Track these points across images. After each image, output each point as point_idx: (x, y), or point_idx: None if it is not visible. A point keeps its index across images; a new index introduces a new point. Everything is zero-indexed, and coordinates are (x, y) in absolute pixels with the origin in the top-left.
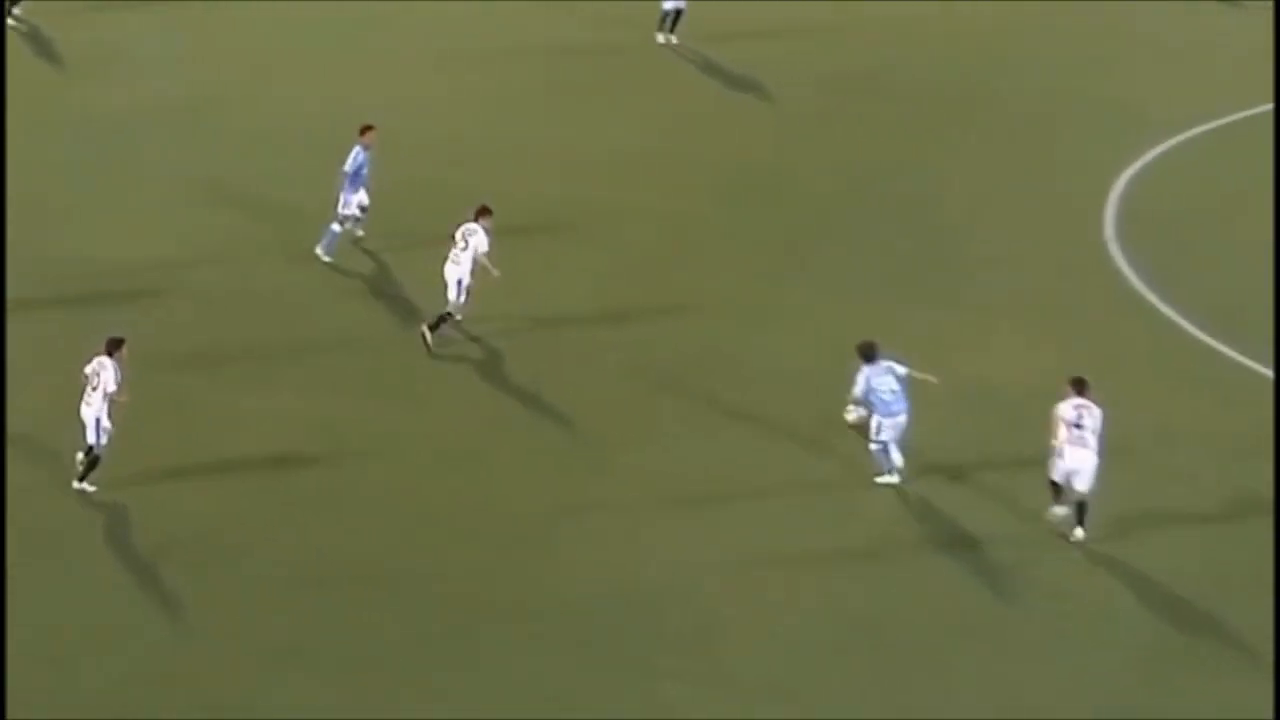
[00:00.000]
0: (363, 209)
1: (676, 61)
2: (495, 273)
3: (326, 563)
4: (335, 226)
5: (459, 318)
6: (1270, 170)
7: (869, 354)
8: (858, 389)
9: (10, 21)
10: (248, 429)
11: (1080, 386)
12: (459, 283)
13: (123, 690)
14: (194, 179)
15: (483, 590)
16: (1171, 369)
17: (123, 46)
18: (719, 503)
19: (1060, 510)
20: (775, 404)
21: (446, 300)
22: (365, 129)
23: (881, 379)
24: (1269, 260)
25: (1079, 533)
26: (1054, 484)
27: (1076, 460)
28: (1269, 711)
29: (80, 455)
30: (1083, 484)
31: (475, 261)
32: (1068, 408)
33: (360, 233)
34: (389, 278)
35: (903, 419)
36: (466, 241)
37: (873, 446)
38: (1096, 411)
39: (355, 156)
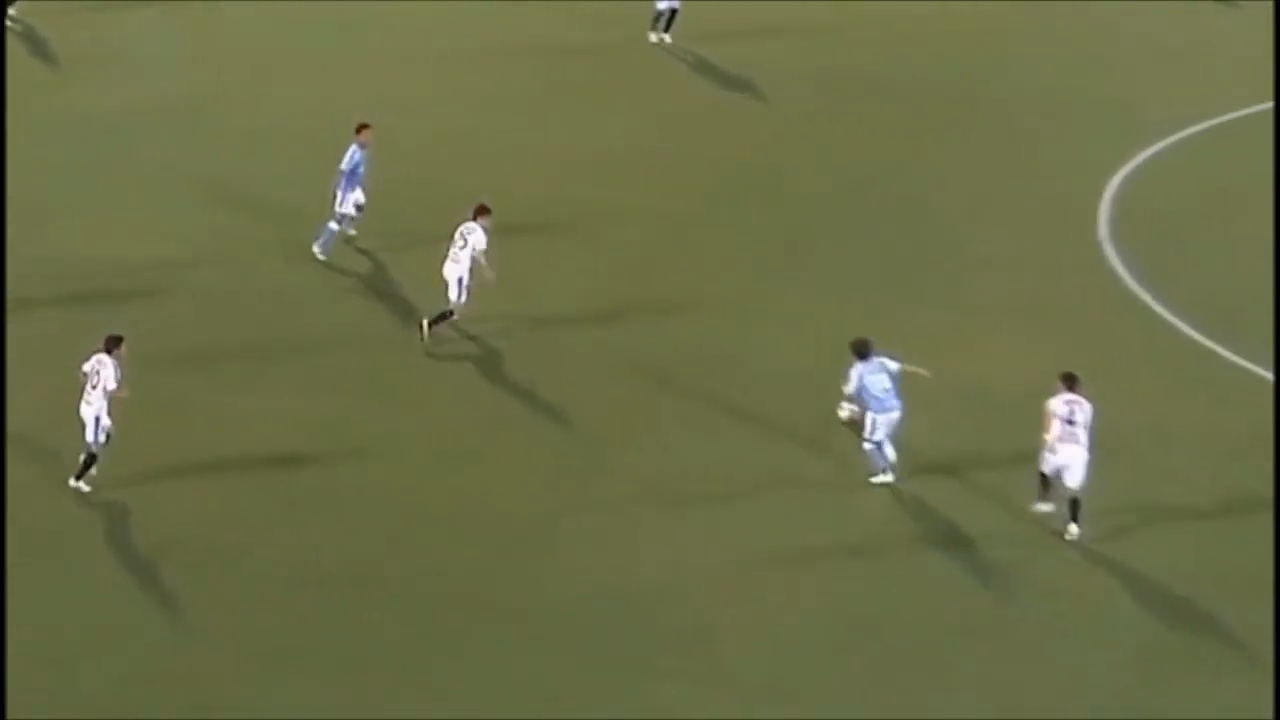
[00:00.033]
0: (358, 208)
1: (673, 61)
2: (490, 274)
3: (326, 563)
4: (333, 225)
5: (457, 316)
6: (1265, 170)
7: (863, 351)
8: (850, 385)
9: (6, 22)
10: (247, 429)
11: (1071, 382)
12: (459, 281)
13: (123, 690)
14: (192, 178)
15: (482, 590)
16: (1166, 369)
17: (120, 46)
18: (717, 502)
19: (1045, 506)
20: (772, 403)
21: (447, 299)
22: (361, 127)
23: (874, 376)
24: (1264, 260)
25: (1073, 529)
26: (1043, 478)
27: (1068, 456)
28: (1267, 711)
29: (83, 455)
30: (1074, 479)
31: (474, 260)
32: (1059, 403)
33: (353, 232)
34: (387, 277)
35: (896, 415)
36: (465, 240)
37: (866, 446)
38: (1087, 406)
39: (352, 155)
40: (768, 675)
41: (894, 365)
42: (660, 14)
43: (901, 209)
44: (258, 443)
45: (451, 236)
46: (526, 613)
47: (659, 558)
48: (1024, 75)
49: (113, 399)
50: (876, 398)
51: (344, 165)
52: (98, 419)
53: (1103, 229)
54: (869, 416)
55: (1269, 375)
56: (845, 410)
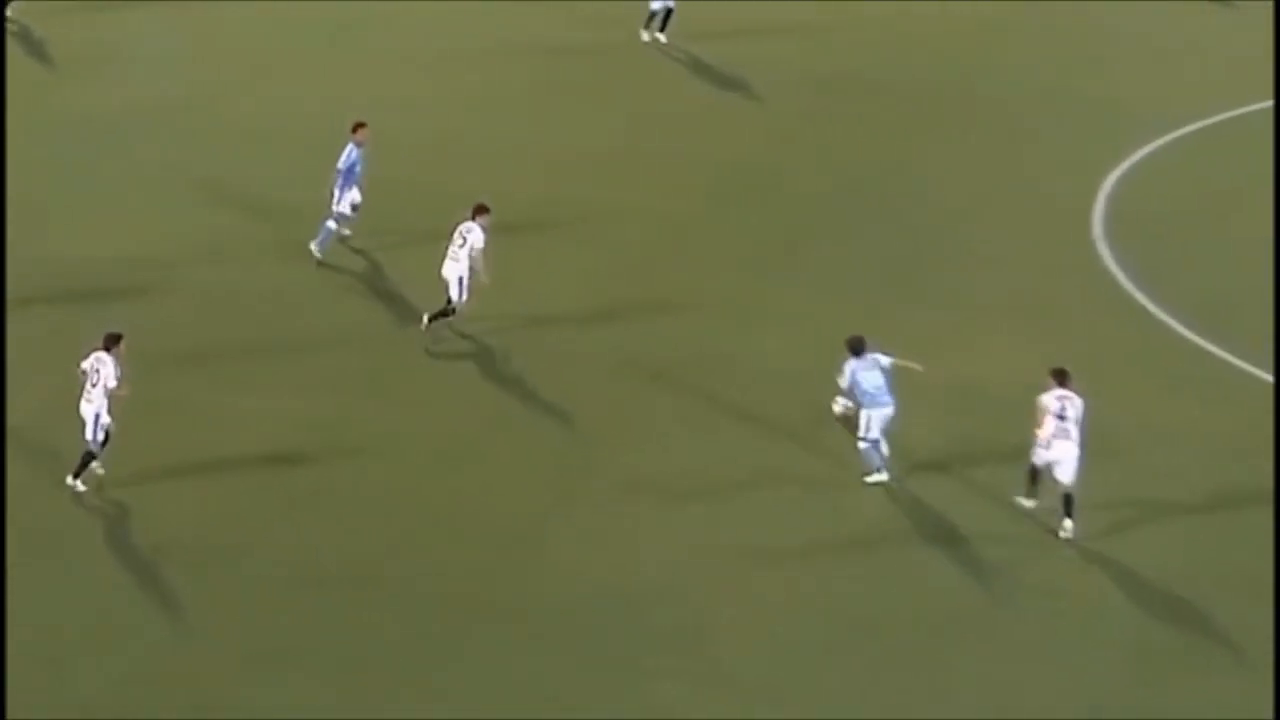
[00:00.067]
0: (354, 208)
1: (671, 61)
2: (485, 279)
3: (325, 563)
4: (331, 224)
5: (460, 316)
6: (1259, 169)
7: (857, 348)
8: (843, 380)
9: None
10: (247, 428)
11: (1062, 377)
12: (460, 280)
13: (123, 690)
14: (191, 178)
15: (482, 590)
16: (1160, 368)
17: (119, 46)
18: (715, 502)
19: (1029, 502)
20: (770, 403)
21: (448, 298)
22: (358, 126)
23: (867, 373)
24: (1257, 259)
25: (1068, 524)
26: (1032, 473)
27: (1059, 451)
28: (1262, 710)
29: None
30: (1066, 475)
31: (475, 256)
32: (1051, 398)
33: (347, 232)
34: (387, 277)
35: (890, 410)
36: (465, 239)
37: (861, 445)
38: (1078, 402)
39: (349, 154)
40: (766, 675)
41: (886, 361)
42: (654, 13)
43: (897, 208)
44: (257, 442)
45: (450, 236)
46: (526, 612)
47: (658, 557)
48: (1019, 75)
49: (113, 397)
50: (869, 394)
51: (341, 164)
52: (97, 417)
53: (1097, 228)
54: (863, 413)
55: (1262, 374)
56: (839, 405)
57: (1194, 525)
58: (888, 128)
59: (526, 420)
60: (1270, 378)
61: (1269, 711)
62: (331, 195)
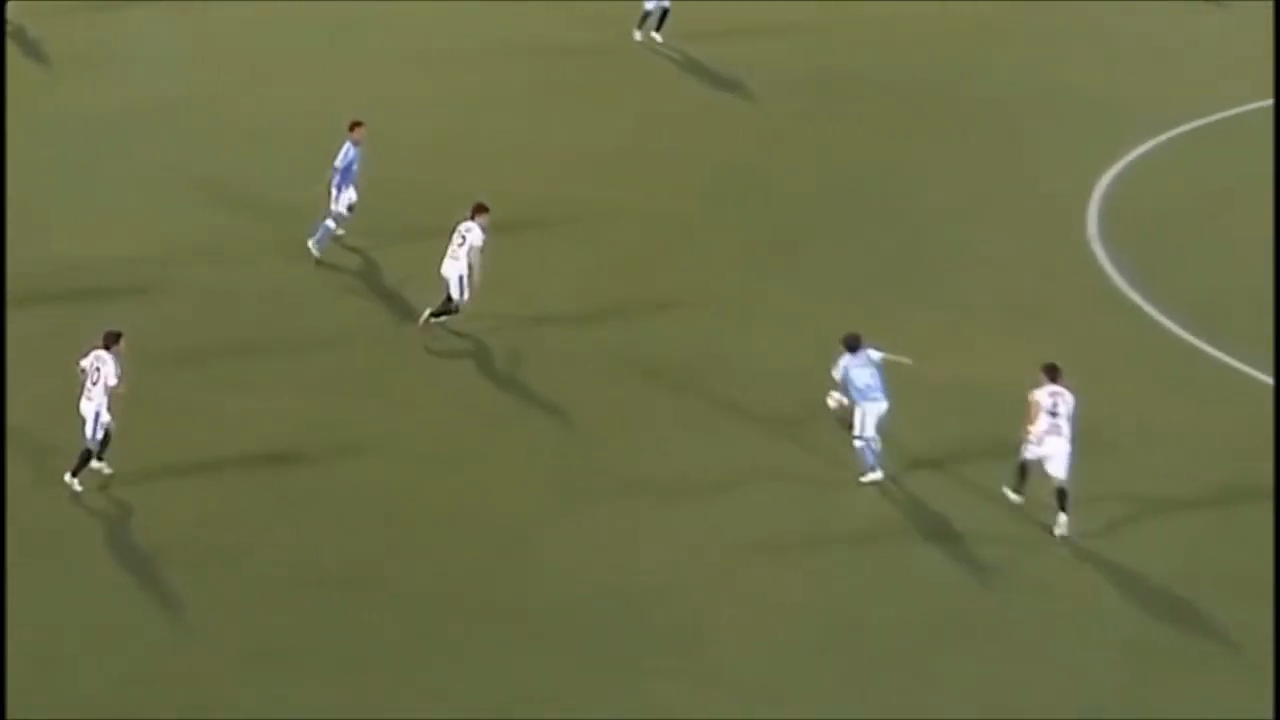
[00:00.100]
0: (350, 208)
1: (668, 61)
2: (478, 276)
3: (325, 562)
4: (330, 223)
5: (462, 314)
6: (1253, 169)
7: (852, 344)
8: (836, 373)
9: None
10: (247, 428)
11: (1054, 373)
12: (460, 279)
13: (122, 690)
14: (191, 178)
15: (481, 590)
16: (1154, 367)
17: (119, 46)
18: (712, 501)
19: (1016, 497)
20: (767, 402)
21: (446, 296)
22: (354, 125)
23: (859, 370)
24: (1252, 259)
25: (1062, 519)
26: (1021, 469)
27: (1051, 447)
28: (1258, 710)
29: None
30: (1058, 469)
31: (474, 255)
32: (1043, 394)
33: (341, 231)
34: (386, 276)
35: (883, 406)
36: (464, 238)
37: (857, 443)
38: (1070, 397)
39: (346, 153)
40: (764, 675)
41: (877, 356)
42: (648, 13)
43: (894, 208)
44: (257, 442)
45: (450, 235)
46: (525, 612)
47: (657, 557)
48: (1015, 74)
49: (113, 395)
50: (860, 390)
51: (338, 163)
52: (97, 415)
53: (1091, 228)
54: (857, 410)
55: (1257, 374)
56: (833, 400)
57: (1190, 524)
58: (884, 128)
59: (526, 420)
60: (1265, 377)
61: (1268, 711)
62: (328, 194)
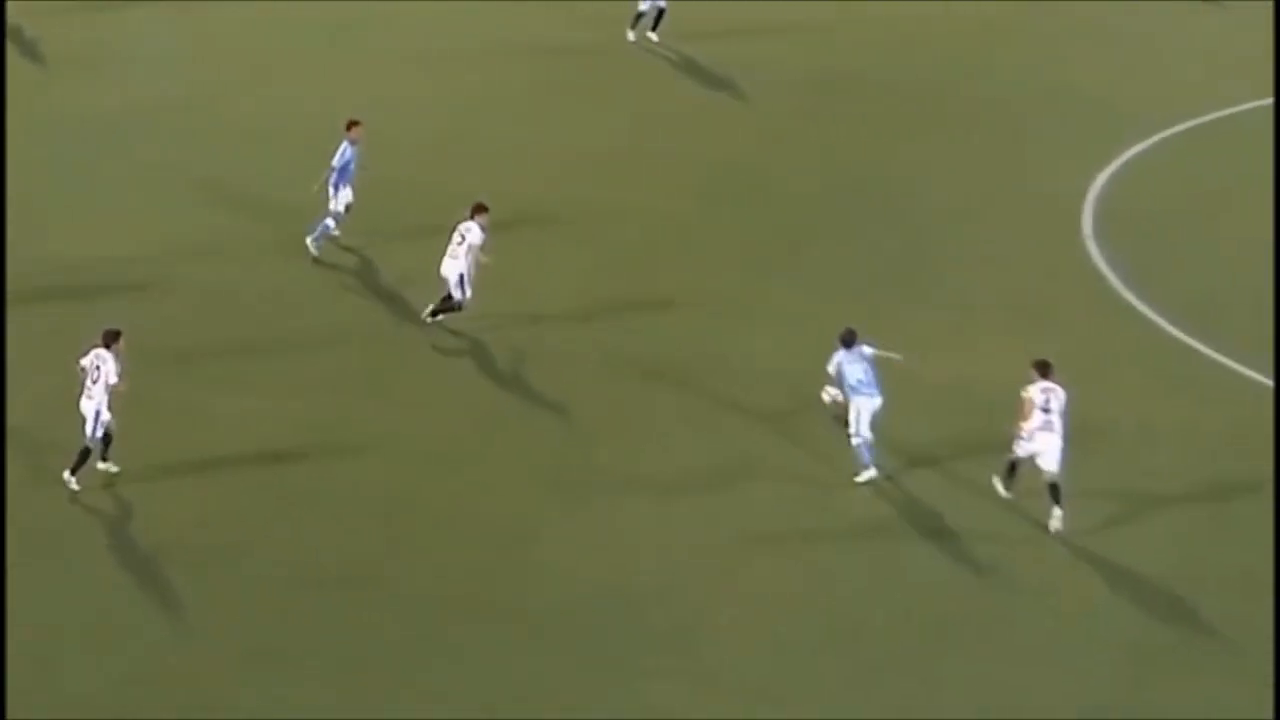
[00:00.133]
0: (346, 208)
1: (662, 61)
2: (485, 260)
3: (325, 562)
4: (329, 222)
5: (465, 311)
6: (1248, 169)
7: (847, 340)
8: (831, 367)
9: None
10: (246, 428)
11: (1045, 369)
12: (460, 277)
13: (123, 690)
14: (191, 178)
15: (481, 590)
16: (1150, 367)
17: (119, 46)
18: (712, 501)
19: (1005, 492)
20: (766, 402)
21: (445, 295)
22: (352, 124)
23: (852, 365)
24: (1247, 259)
25: (1056, 512)
26: (1013, 465)
27: (1043, 443)
28: (1256, 709)
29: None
30: (1050, 464)
31: (473, 254)
32: (1035, 391)
33: (337, 232)
34: (386, 276)
35: (877, 402)
36: (463, 238)
37: (854, 441)
38: (1062, 393)
39: (343, 152)
40: (764, 675)
41: (870, 352)
42: (642, 13)
43: (888, 208)
44: (257, 442)
45: (450, 235)
46: (525, 612)
47: (656, 556)
48: (1011, 74)
49: (113, 393)
50: (852, 385)
51: (335, 162)
52: (98, 413)
53: (1087, 227)
54: (853, 408)
55: (1251, 373)
56: (828, 395)
57: (1188, 523)
58: (885, 127)
59: (525, 419)
60: (1261, 377)
61: (1266, 711)
62: (326, 193)
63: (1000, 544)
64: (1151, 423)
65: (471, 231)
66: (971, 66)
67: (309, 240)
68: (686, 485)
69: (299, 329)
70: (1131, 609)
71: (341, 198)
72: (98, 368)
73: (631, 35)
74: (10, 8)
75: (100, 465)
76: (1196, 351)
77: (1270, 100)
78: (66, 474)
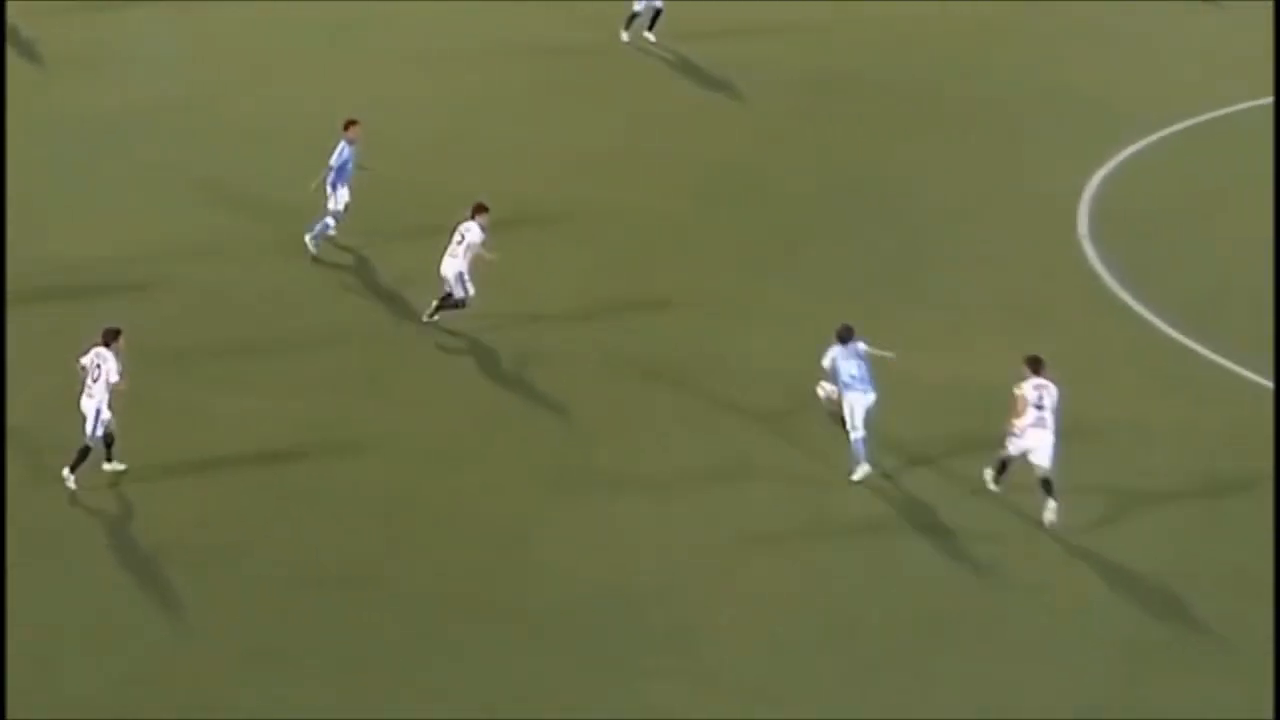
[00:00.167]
0: (345, 208)
1: (660, 61)
2: (490, 256)
3: (325, 562)
4: (329, 221)
5: (468, 308)
6: (1243, 169)
7: (844, 336)
8: (825, 361)
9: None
10: (246, 428)
11: (1037, 365)
12: (460, 277)
13: (123, 690)
14: (190, 178)
15: (481, 590)
16: (1146, 366)
17: (118, 46)
18: (710, 501)
19: (995, 487)
20: (765, 402)
21: (444, 293)
22: (349, 124)
23: (846, 361)
24: (1242, 259)
25: (1050, 504)
26: (1004, 463)
27: (1035, 439)
28: (1253, 709)
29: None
30: (1042, 460)
31: (473, 254)
32: (1029, 388)
33: (333, 232)
34: (385, 276)
35: (870, 399)
36: (463, 237)
37: (853, 436)
38: (1054, 390)
39: (341, 152)
40: (763, 675)
41: (862, 347)
42: (636, 14)
43: (886, 208)
44: (256, 442)
45: (450, 235)
46: (524, 612)
47: (655, 556)
48: (1007, 74)
49: (114, 391)
50: (844, 380)
51: (333, 161)
52: (98, 412)
53: (1083, 227)
54: (844, 401)
55: (1247, 373)
56: (823, 390)
57: (1182, 521)
58: (881, 127)
59: (524, 419)
60: (1257, 376)
61: (1265, 711)
62: (324, 192)
63: (996, 542)
64: (1147, 422)
65: (471, 231)
66: (968, 66)
67: (308, 238)
68: (685, 485)
69: (299, 329)
70: (1127, 606)
71: (340, 197)
72: (98, 366)
73: (625, 36)
74: (9, 8)
75: (106, 466)
76: (1192, 351)
77: (1266, 100)
78: (66, 471)
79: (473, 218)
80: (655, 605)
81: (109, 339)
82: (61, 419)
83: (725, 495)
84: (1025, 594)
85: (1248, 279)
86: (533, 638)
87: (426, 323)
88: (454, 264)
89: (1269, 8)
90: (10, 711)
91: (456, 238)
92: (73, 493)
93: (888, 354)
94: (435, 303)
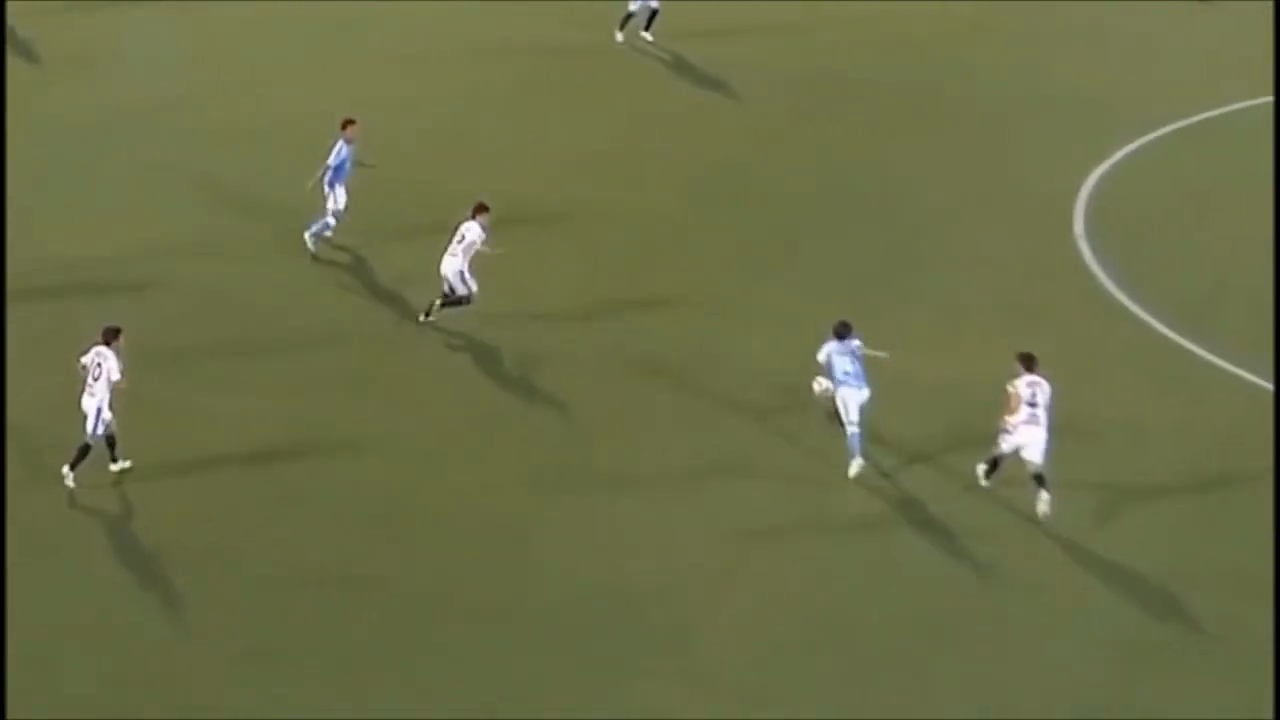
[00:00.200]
0: (344, 208)
1: (657, 61)
2: (495, 251)
3: (323, 562)
4: (330, 219)
5: (473, 304)
6: (1239, 169)
7: (840, 333)
8: (820, 356)
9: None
10: (246, 428)
11: (1030, 362)
12: (460, 274)
13: (121, 690)
14: (189, 178)
15: (481, 590)
16: (1142, 366)
17: (116, 46)
18: (709, 500)
19: (986, 483)
20: (761, 401)
21: (443, 292)
22: (347, 123)
23: (840, 357)
24: (1238, 258)
25: (1044, 496)
26: (996, 460)
27: (1027, 436)
28: (1250, 709)
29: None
30: (1035, 456)
31: (473, 253)
32: (1022, 385)
33: (329, 232)
34: (384, 275)
35: (864, 395)
36: (463, 236)
37: (849, 430)
38: (1047, 387)
39: (339, 151)
40: (760, 675)
41: (858, 345)
42: (631, 14)
43: (883, 208)
44: (255, 442)
45: (451, 234)
46: (523, 612)
47: (653, 555)
48: (1004, 74)
49: (115, 390)
50: (838, 377)
51: (331, 160)
52: (99, 410)
53: (1079, 227)
54: (838, 396)
55: (1243, 373)
56: (819, 385)
57: (1179, 520)
58: (876, 127)
59: (523, 419)
60: (1252, 376)
61: (1264, 711)
62: (321, 191)
63: (995, 542)
64: (1143, 422)
65: (471, 230)
66: (965, 67)
67: (307, 235)
68: (684, 484)
69: (298, 329)
70: (1125, 606)
71: (338, 196)
72: (99, 365)
73: (620, 36)
74: (7, 8)
75: (113, 467)
76: (1188, 351)
77: (1262, 99)
78: (65, 469)
79: (474, 217)
80: (654, 605)
81: (109, 338)
82: (61, 418)
83: (724, 495)
84: (1023, 593)
85: (1244, 279)
86: (532, 637)
87: (423, 323)
88: (453, 263)
89: (1264, 8)
90: (10, 711)
91: (457, 237)
92: (73, 493)
93: (881, 354)
94: (438, 302)
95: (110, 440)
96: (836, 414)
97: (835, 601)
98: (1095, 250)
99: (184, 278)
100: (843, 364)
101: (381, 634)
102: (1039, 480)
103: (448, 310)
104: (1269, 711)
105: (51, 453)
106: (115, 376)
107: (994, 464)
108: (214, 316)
